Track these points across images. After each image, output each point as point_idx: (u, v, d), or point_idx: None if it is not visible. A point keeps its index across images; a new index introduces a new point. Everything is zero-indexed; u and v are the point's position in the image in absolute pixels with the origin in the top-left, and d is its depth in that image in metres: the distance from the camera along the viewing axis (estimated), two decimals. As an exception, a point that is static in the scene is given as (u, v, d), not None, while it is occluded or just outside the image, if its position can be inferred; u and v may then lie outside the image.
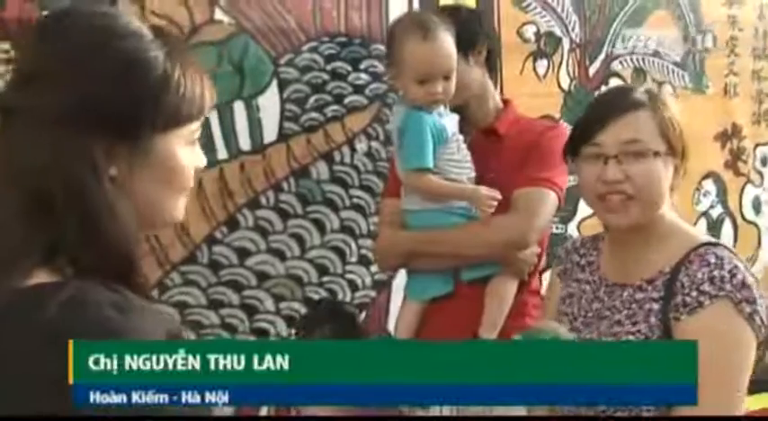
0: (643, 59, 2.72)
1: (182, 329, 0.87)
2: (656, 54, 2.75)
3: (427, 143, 1.75)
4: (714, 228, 2.92)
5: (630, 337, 1.32)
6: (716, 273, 1.28)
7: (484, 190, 1.76)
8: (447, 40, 1.74)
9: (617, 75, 2.67)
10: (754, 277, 1.33)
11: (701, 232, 1.43)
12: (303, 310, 2.13)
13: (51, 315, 0.74)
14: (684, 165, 1.39)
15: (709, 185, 2.90)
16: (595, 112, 1.40)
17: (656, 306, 1.32)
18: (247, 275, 2.08)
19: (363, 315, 2.25)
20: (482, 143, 1.87)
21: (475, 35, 1.87)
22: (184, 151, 0.86)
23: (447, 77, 1.74)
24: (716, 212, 2.92)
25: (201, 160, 0.92)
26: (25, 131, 0.79)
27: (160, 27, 0.89)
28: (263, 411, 1.90)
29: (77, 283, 0.77)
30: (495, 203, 1.75)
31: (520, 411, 1.81)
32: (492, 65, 1.94)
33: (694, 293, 1.28)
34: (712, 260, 1.30)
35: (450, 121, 1.81)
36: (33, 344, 0.74)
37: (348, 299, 2.23)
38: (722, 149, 2.92)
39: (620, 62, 2.68)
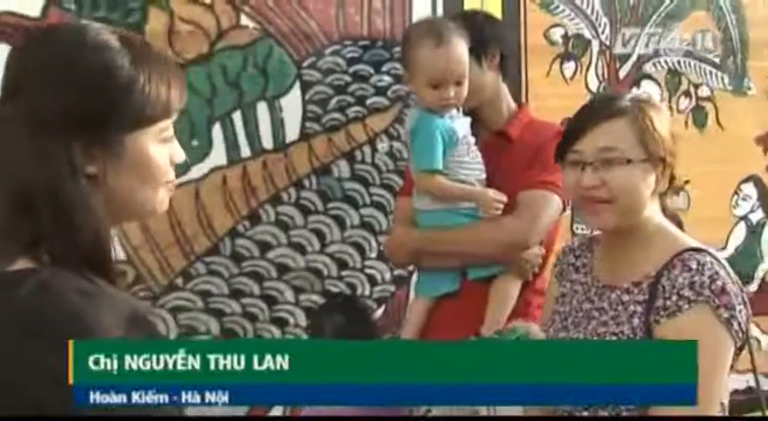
0: (678, 61, 2.69)
1: (149, 315, 0.95)
2: (692, 55, 2.71)
3: (437, 145, 1.81)
4: (754, 232, 2.85)
5: (613, 338, 1.35)
6: (696, 278, 1.31)
7: (491, 193, 1.82)
8: (460, 47, 1.79)
9: (649, 76, 2.65)
10: (737, 284, 1.34)
11: (688, 237, 1.43)
12: (321, 302, 2.23)
13: (23, 296, 0.84)
14: (669, 171, 1.40)
15: (749, 189, 2.84)
16: (577, 120, 1.43)
17: (639, 308, 1.35)
18: (268, 267, 2.19)
19: (382, 309, 2.33)
20: (493, 146, 1.91)
21: (488, 40, 1.91)
22: (156, 148, 0.95)
23: (459, 82, 1.80)
24: (756, 216, 2.86)
25: (179, 155, 1.00)
26: (11, 137, 0.90)
27: (128, 36, 0.98)
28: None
29: (50, 270, 0.87)
30: (501, 206, 1.80)
31: (519, 411, 1.87)
32: (506, 69, 1.98)
33: (674, 298, 1.31)
34: (693, 266, 1.32)
35: (462, 124, 1.86)
36: (6, 322, 0.85)
37: (367, 293, 2.31)
38: (764, 153, 2.85)
39: (654, 64, 2.66)
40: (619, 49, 2.59)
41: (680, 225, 1.49)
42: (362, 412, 1.06)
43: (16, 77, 0.92)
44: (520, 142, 1.91)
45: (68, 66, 0.91)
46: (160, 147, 0.96)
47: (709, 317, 1.29)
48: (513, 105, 2.00)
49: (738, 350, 1.35)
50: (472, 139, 1.88)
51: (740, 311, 1.31)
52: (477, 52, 1.87)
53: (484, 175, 1.87)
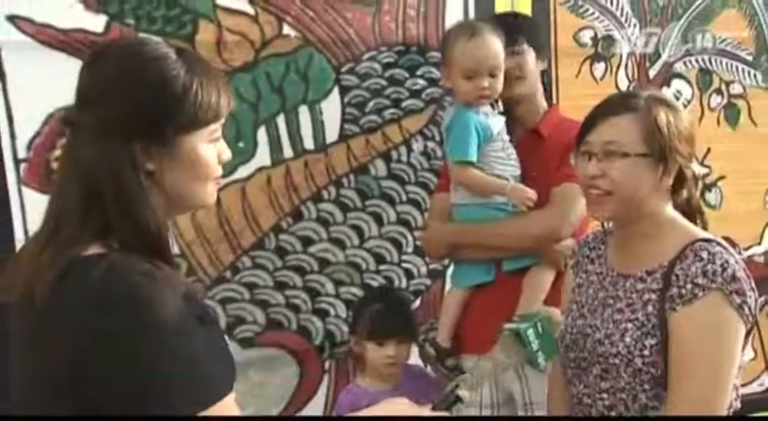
0: (710, 59, 2.73)
1: (200, 295, 1.08)
2: (724, 53, 2.75)
3: (471, 138, 1.91)
4: (791, 230, 2.87)
5: (629, 325, 1.43)
6: (708, 267, 1.38)
7: (523, 188, 1.91)
8: (493, 41, 1.91)
9: (680, 76, 2.70)
10: (745, 271, 1.42)
11: (698, 229, 1.50)
12: (361, 294, 2.34)
13: (95, 276, 0.98)
14: (674, 168, 1.46)
15: (783, 186, 2.86)
16: (591, 114, 1.52)
17: (653, 296, 1.42)
18: (310, 261, 2.31)
19: (418, 302, 2.44)
20: (527, 143, 2.01)
21: (543, 41, 2.04)
22: (206, 147, 1.09)
23: (493, 75, 1.90)
24: (792, 215, 2.88)
25: (226, 154, 1.14)
26: (82, 140, 1.05)
27: (182, 48, 1.12)
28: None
29: (117, 255, 1.01)
30: (532, 201, 1.89)
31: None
32: (543, 73, 2.11)
33: (689, 286, 1.38)
34: (705, 255, 1.39)
35: (497, 121, 1.96)
36: (81, 300, 0.98)
37: (404, 286, 2.42)
38: (799, 149, 2.87)
39: (685, 63, 2.70)
40: (648, 49, 2.64)
41: (702, 218, 1.55)
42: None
43: (86, 89, 1.07)
44: (551, 140, 1.99)
45: (131, 77, 1.05)
46: (210, 146, 1.10)
47: (722, 302, 1.36)
48: (545, 105, 2.10)
49: (747, 333, 1.42)
50: (507, 137, 1.98)
51: (750, 296, 1.38)
52: (536, 48, 2.02)
53: (519, 172, 1.97)
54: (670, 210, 1.50)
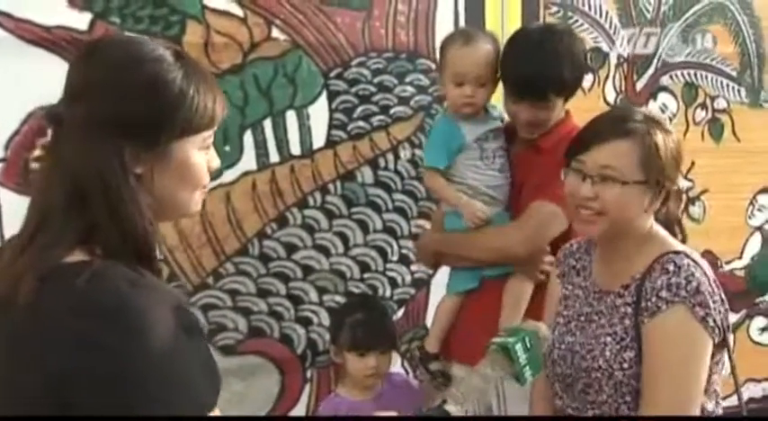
0: (695, 74, 2.75)
1: (188, 305, 1.04)
2: (709, 68, 2.77)
3: (440, 143, 1.92)
4: (769, 243, 2.90)
5: (608, 339, 1.44)
6: (673, 280, 1.39)
7: (477, 206, 1.88)
8: (485, 50, 1.88)
9: (666, 89, 2.71)
10: (713, 284, 1.41)
11: (674, 241, 1.49)
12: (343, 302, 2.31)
13: (79, 286, 0.93)
14: (664, 193, 1.45)
15: (764, 199, 2.89)
16: (587, 132, 1.50)
17: (629, 310, 1.43)
18: (294, 268, 2.28)
19: (402, 310, 2.42)
20: (525, 155, 1.96)
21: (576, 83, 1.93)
22: (197, 154, 1.05)
23: (482, 84, 1.88)
24: (772, 227, 2.91)
25: (215, 161, 1.09)
26: (70, 137, 0.99)
27: (179, 51, 1.07)
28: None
29: (102, 262, 0.96)
30: (481, 220, 1.87)
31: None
32: None
33: (654, 299, 1.39)
34: (671, 268, 1.40)
35: (479, 129, 1.92)
36: (64, 307, 0.94)
37: (388, 295, 2.39)
38: (780, 164, 2.90)
39: (671, 76, 2.72)
40: (636, 62, 2.66)
41: (680, 228, 1.55)
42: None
43: (77, 84, 1.01)
44: (549, 154, 1.89)
45: (126, 76, 1.00)
46: (201, 154, 1.05)
47: (685, 315, 1.37)
48: (559, 115, 1.95)
49: (718, 346, 1.41)
50: (495, 145, 1.94)
51: (715, 309, 1.38)
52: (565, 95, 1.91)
53: (500, 182, 1.93)
54: (652, 225, 1.50)
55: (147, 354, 0.91)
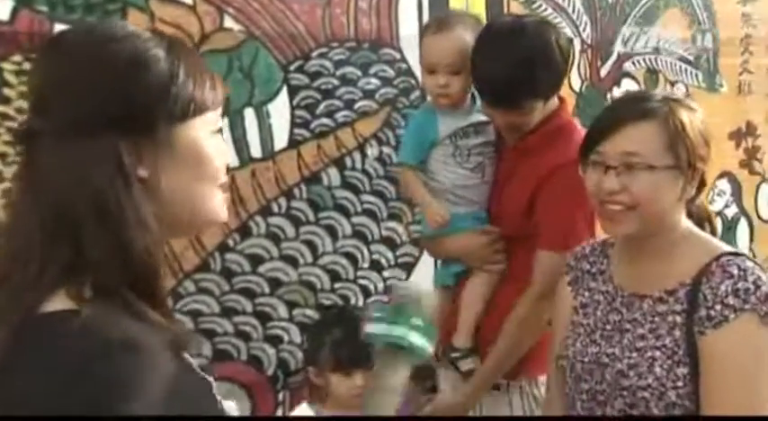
0: (656, 59, 2.70)
1: (195, 345, 0.84)
2: (668, 53, 2.73)
3: (411, 138, 1.83)
4: (729, 227, 2.89)
5: (657, 353, 1.29)
6: (740, 285, 1.24)
7: (435, 209, 1.76)
8: (457, 36, 1.74)
9: (629, 75, 2.65)
10: None
11: (718, 241, 1.37)
12: (316, 317, 2.13)
13: (62, 346, 0.73)
14: (698, 177, 1.33)
15: (723, 185, 2.88)
16: (603, 119, 1.37)
17: (679, 319, 1.28)
18: (260, 282, 2.08)
19: (377, 320, 2.25)
20: (513, 152, 1.80)
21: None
22: (210, 141, 0.84)
23: (456, 72, 1.73)
24: (731, 212, 2.90)
25: (228, 154, 0.90)
26: (49, 151, 0.78)
27: (161, 31, 0.90)
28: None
29: (91, 311, 0.75)
30: (437, 224, 1.76)
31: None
32: None
33: (718, 307, 1.24)
34: (735, 271, 1.25)
35: (455, 122, 1.79)
36: (41, 371, 0.73)
37: (361, 304, 2.22)
38: (736, 148, 2.90)
39: (633, 63, 2.66)
40: (599, 48, 2.58)
41: (711, 224, 1.45)
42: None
43: (40, 89, 0.82)
44: (535, 153, 1.75)
45: (100, 59, 0.81)
46: (213, 140, 0.85)
47: (757, 324, 1.23)
48: (550, 108, 1.75)
49: None
50: (474, 142, 1.80)
51: None
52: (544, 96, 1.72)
53: (472, 182, 1.80)
54: (685, 221, 1.38)
55: None
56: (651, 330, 1.31)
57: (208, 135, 0.84)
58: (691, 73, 2.78)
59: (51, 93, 0.80)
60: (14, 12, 1.76)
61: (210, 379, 0.85)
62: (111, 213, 0.77)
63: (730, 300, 1.24)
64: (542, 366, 1.62)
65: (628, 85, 2.64)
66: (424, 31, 1.83)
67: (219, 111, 0.87)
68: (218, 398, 0.84)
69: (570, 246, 1.58)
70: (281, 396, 2.13)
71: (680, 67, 2.75)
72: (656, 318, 1.31)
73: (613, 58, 2.61)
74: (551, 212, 1.69)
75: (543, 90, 1.70)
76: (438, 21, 1.83)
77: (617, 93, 2.59)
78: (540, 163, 1.71)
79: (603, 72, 2.59)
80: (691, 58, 2.77)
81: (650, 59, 2.69)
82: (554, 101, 1.77)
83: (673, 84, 2.74)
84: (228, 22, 1.99)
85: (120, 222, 0.77)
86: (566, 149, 1.61)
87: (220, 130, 0.87)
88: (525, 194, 1.72)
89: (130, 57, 0.81)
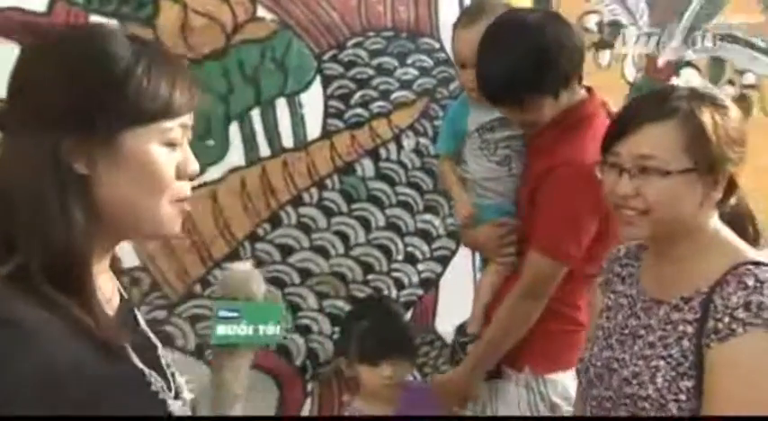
0: (721, 47, 2.54)
1: (122, 338, 0.84)
2: (736, 40, 2.55)
3: (445, 130, 1.89)
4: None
5: (661, 363, 1.21)
6: (753, 298, 1.13)
7: (463, 203, 1.80)
8: (475, 32, 1.69)
9: (690, 64, 2.50)
10: None
11: (747, 247, 1.25)
12: (347, 308, 2.13)
13: None
14: (724, 179, 1.21)
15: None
16: (621, 118, 1.28)
17: (690, 328, 1.19)
18: (290, 272, 2.09)
19: (410, 313, 2.23)
20: (530, 146, 1.76)
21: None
22: (158, 150, 0.84)
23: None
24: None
25: (192, 166, 0.88)
26: (5, 142, 0.83)
27: (136, 34, 0.91)
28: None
29: None
30: (464, 218, 1.81)
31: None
32: None
33: (726, 319, 1.14)
34: (751, 283, 1.15)
35: (481, 117, 1.77)
36: None
37: (394, 297, 2.20)
38: (813, 141, 2.69)
39: (695, 51, 2.51)
40: (657, 36, 2.44)
41: (754, 228, 1.33)
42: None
43: (11, 80, 0.86)
44: (546, 148, 1.69)
45: (62, 55, 0.84)
46: (164, 150, 0.85)
47: (766, 342, 1.13)
48: (568, 102, 1.67)
49: None
50: (500, 135, 1.77)
51: None
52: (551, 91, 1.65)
53: (499, 175, 1.77)
54: (715, 223, 1.27)
55: None
56: (661, 338, 1.23)
57: (159, 144, 0.84)
58: (762, 62, 2.59)
59: (14, 88, 0.85)
60: (51, 4, 1.81)
61: (157, 380, 0.86)
62: (37, 202, 0.80)
63: (740, 313, 1.13)
64: (551, 365, 1.62)
65: (688, 75, 2.49)
66: (455, 23, 1.81)
67: (178, 120, 0.86)
68: (166, 398, 0.85)
69: (562, 256, 1.60)
70: (309, 386, 2.14)
71: (749, 54, 2.57)
72: (668, 326, 1.23)
73: (673, 45, 2.47)
74: (544, 214, 1.65)
75: (548, 86, 1.63)
76: (469, 13, 1.81)
77: (676, 83, 2.45)
78: (547, 159, 1.66)
79: (661, 61, 2.45)
80: (763, 44, 2.59)
81: (715, 47, 2.53)
82: (575, 94, 1.68)
83: (741, 73, 2.56)
84: (261, 12, 2.00)
85: (44, 211, 0.80)
86: (578, 144, 1.56)
87: (176, 143, 0.86)
88: (527, 192, 1.71)
89: (89, 52, 0.84)
